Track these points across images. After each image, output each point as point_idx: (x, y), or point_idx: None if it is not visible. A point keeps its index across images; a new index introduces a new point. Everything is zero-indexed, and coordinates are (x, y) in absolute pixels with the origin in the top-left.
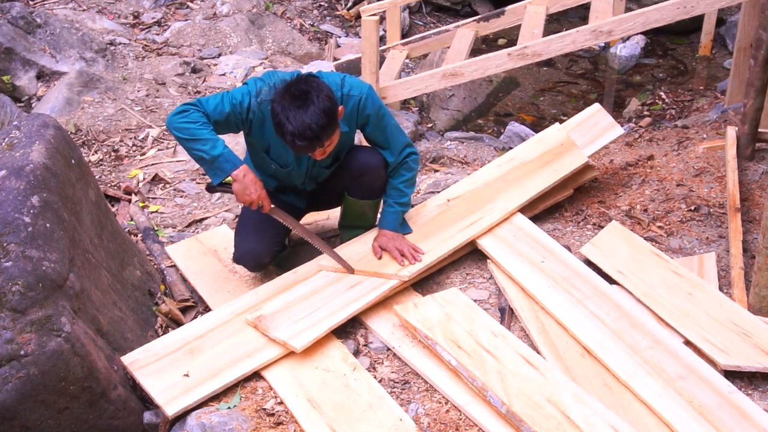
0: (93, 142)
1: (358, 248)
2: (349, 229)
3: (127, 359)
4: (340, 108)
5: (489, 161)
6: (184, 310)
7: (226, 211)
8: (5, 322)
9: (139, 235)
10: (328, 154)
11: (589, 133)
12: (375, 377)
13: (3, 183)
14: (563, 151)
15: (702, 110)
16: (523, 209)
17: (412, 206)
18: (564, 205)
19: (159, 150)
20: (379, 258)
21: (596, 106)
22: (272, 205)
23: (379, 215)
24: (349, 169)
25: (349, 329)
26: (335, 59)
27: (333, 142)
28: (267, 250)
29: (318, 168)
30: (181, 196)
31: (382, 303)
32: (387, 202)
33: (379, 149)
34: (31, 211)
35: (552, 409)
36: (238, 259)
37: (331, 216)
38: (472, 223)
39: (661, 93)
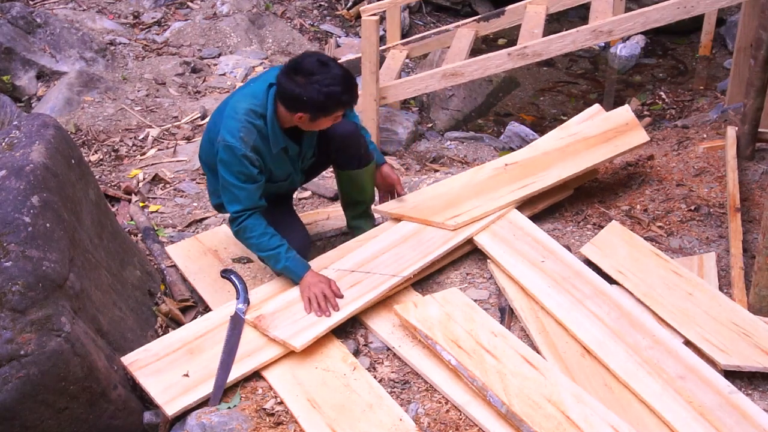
0: (93, 142)
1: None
2: (353, 206)
3: (127, 359)
4: None
5: (489, 161)
6: (184, 310)
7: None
8: (5, 322)
9: (139, 235)
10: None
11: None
12: (375, 377)
13: (3, 183)
14: (627, 129)
15: (702, 110)
16: (524, 209)
17: None
18: (564, 205)
19: (159, 150)
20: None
21: (596, 106)
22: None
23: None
24: (331, 143)
25: (349, 329)
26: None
27: None
28: (307, 242)
29: (306, 162)
30: (181, 196)
31: (383, 303)
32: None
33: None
34: (31, 211)
35: (552, 409)
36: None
37: (332, 216)
38: (523, 186)
39: (661, 93)
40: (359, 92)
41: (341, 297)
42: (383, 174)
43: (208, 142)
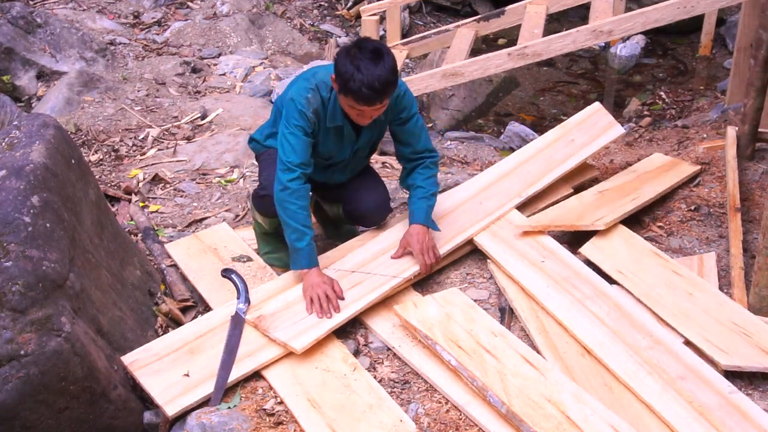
0: (93, 142)
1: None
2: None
3: (127, 359)
4: None
5: (489, 161)
6: (184, 310)
7: (226, 210)
8: (5, 322)
9: (139, 235)
10: (370, 129)
11: (589, 132)
12: (375, 377)
13: (3, 183)
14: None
15: (702, 110)
16: (524, 208)
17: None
18: None
19: (159, 150)
20: (399, 257)
21: (596, 105)
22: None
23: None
24: (355, 206)
25: (349, 329)
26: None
27: (385, 107)
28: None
29: (358, 158)
30: (181, 196)
31: (383, 303)
32: (412, 201)
33: (401, 145)
34: (31, 211)
35: (552, 409)
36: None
37: None
38: (633, 199)
39: (661, 93)
40: None
41: (343, 299)
42: (408, 233)
43: (285, 92)
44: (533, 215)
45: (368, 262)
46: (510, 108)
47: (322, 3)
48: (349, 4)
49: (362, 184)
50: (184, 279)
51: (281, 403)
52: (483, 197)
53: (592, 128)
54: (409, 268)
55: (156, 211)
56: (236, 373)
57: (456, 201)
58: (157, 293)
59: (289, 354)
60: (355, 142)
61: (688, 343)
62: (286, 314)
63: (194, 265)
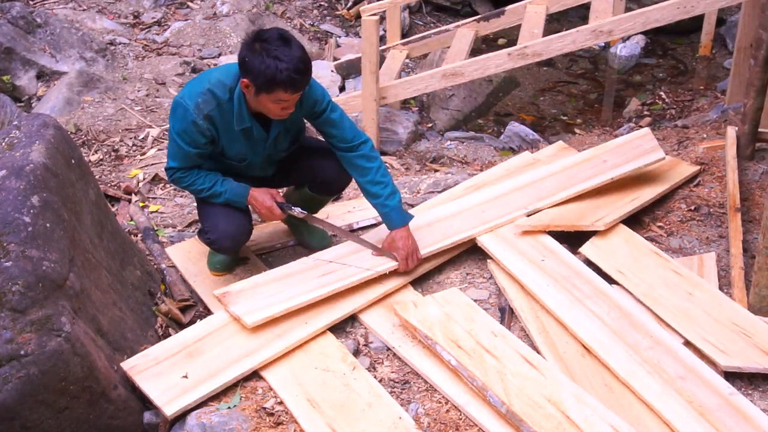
0: (93, 141)
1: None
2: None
3: (126, 365)
4: None
5: (489, 161)
6: (184, 310)
7: None
8: (5, 322)
9: (139, 235)
10: (286, 127)
11: (627, 154)
12: (375, 377)
13: (3, 183)
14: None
15: (702, 110)
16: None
17: (412, 206)
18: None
19: (159, 150)
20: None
21: (560, 143)
22: (285, 204)
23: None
24: (310, 175)
25: (348, 329)
26: (335, 59)
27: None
28: (244, 230)
29: (277, 152)
30: (181, 196)
31: (383, 303)
32: (378, 204)
33: (329, 138)
34: (31, 211)
35: (552, 409)
36: (214, 241)
37: (331, 215)
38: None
39: (661, 93)
40: (360, 92)
41: (282, 201)
42: (390, 239)
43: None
44: (533, 215)
45: (348, 255)
46: (510, 108)
47: (322, 3)
48: (349, 4)
49: (313, 157)
50: (184, 279)
51: (281, 403)
52: (487, 207)
53: (632, 151)
54: (385, 263)
55: (156, 211)
56: (234, 372)
57: (461, 207)
58: (157, 293)
59: (289, 354)
60: (265, 140)
61: (687, 343)
62: (251, 293)
63: (194, 269)
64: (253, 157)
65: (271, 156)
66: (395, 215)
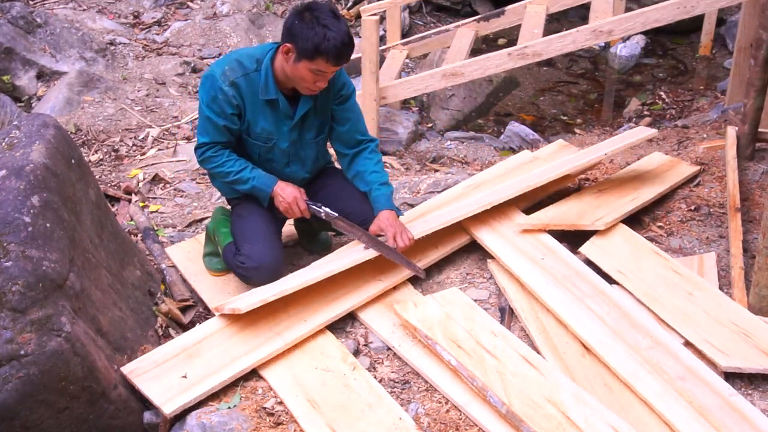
0: (93, 141)
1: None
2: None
3: (126, 369)
4: None
5: (489, 161)
6: (184, 310)
7: None
8: (5, 322)
9: (139, 235)
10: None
11: (622, 140)
12: (375, 377)
13: (3, 183)
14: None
15: (702, 110)
16: (522, 200)
17: (412, 206)
18: None
19: (159, 150)
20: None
21: (560, 141)
22: (312, 201)
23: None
24: (339, 204)
25: (348, 329)
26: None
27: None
28: (281, 258)
29: (303, 141)
30: (181, 196)
31: (383, 302)
32: (372, 189)
33: (340, 125)
34: (31, 211)
35: (552, 409)
36: (252, 270)
37: None
38: (633, 200)
39: (661, 93)
40: (360, 92)
41: (306, 199)
42: (376, 220)
43: None
44: (533, 213)
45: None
46: (510, 108)
47: None
48: (349, 4)
49: (343, 195)
50: (184, 279)
51: (281, 403)
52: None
53: (626, 136)
54: (366, 255)
55: (156, 211)
56: (233, 370)
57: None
58: (157, 293)
59: (289, 354)
60: (291, 117)
61: (687, 343)
62: (246, 294)
63: (194, 269)
64: (279, 139)
65: (298, 144)
66: (384, 199)
